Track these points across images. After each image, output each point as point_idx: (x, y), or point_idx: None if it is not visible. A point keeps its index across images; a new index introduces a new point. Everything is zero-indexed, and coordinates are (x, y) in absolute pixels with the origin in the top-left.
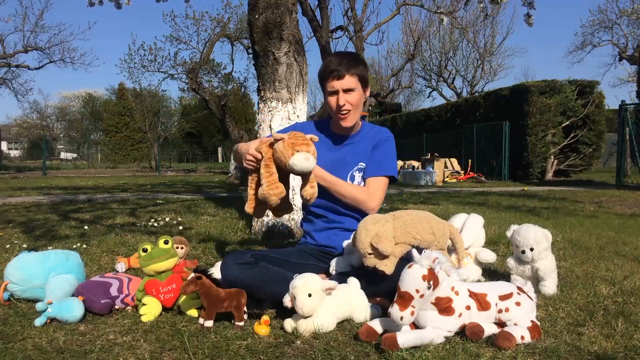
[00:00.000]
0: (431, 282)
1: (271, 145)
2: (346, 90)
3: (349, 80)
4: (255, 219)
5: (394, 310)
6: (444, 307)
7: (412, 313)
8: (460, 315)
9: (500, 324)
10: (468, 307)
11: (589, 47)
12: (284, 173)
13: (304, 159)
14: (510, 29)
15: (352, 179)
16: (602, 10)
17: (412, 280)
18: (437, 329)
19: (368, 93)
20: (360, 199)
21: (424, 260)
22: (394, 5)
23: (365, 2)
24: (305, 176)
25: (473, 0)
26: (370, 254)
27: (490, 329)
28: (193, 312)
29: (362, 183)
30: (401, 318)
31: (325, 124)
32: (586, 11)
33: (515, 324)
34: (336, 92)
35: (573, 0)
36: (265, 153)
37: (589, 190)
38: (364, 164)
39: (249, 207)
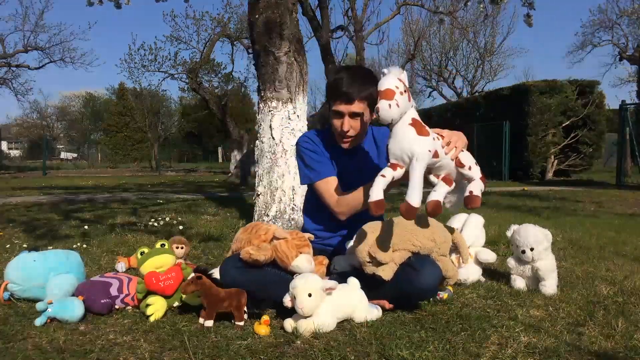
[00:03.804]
0: (405, 89)
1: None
2: (353, 115)
3: (358, 106)
4: (255, 218)
5: (381, 104)
6: (420, 128)
7: (398, 105)
8: (434, 139)
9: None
10: (438, 138)
11: (589, 47)
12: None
13: (306, 261)
14: (510, 29)
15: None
16: (602, 10)
17: (389, 80)
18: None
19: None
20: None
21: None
22: (394, 5)
23: (365, 2)
24: None
25: (473, 0)
26: (368, 262)
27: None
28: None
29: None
30: (389, 106)
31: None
32: (586, 11)
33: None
34: (342, 115)
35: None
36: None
37: (589, 190)
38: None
39: None
